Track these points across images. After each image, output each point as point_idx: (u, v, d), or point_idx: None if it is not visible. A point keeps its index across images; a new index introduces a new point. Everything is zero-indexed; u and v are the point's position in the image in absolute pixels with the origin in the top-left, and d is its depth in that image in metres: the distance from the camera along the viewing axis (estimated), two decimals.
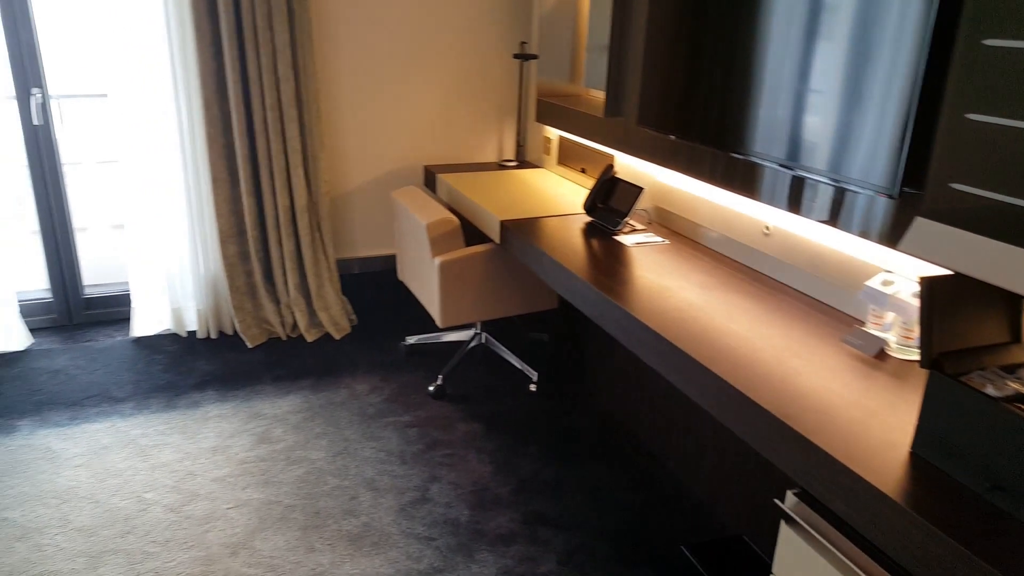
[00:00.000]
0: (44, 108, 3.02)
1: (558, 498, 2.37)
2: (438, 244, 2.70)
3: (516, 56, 3.47)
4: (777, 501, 1.47)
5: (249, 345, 3.27)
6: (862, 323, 1.83)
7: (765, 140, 1.93)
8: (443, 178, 3.31)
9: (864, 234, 1.71)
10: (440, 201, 3.36)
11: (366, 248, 3.73)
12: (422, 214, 2.73)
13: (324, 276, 3.39)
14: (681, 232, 2.53)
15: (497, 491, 2.39)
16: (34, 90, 2.98)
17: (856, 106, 1.63)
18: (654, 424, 2.63)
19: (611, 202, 2.60)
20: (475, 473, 2.48)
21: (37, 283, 3.46)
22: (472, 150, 3.76)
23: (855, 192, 1.71)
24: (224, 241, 3.18)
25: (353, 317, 3.53)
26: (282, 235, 3.24)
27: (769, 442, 1.44)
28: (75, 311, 3.35)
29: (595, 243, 2.40)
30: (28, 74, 2.96)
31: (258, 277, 3.28)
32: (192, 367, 3.08)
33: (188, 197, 3.13)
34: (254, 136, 3.12)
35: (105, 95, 2.96)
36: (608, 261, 2.24)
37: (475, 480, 2.44)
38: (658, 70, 2.34)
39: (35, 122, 3.02)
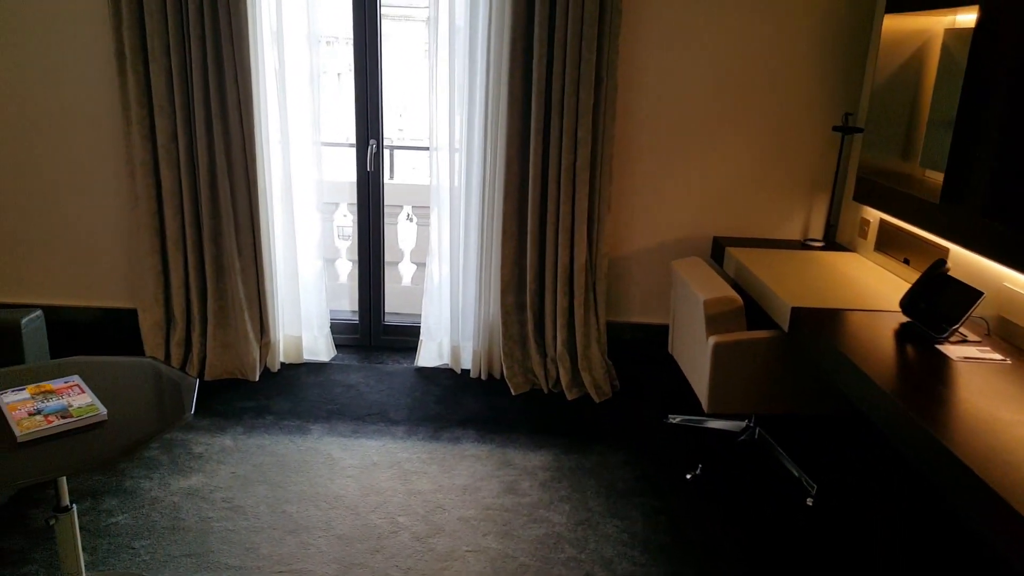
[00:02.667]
0: (377, 157, 3.44)
1: None
2: (715, 323, 2.51)
3: (836, 128, 3.18)
4: None
5: (512, 392, 3.34)
6: None
7: None
8: (733, 252, 3.10)
9: None
10: (725, 276, 3.16)
11: (640, 315, 3.64)
12: (702, 288, 2.56)
13: (592, 337, 3.36)
14: None
15: None
16: (371, 141, 3.42)
17: None
18: None
19: (938, 303, 2.19)
20: None
21: (347, 305, 3.95)
22: (772, 225, 3.50)
23: None
24: (504, 290, 3.31)
25: (616, 383, 3.44)
26: (558, 291, 3.29)
27: None
28: (374, 335, 3.74)
29: (909, 349, 2.03)
30: (368, 126, 3.40)
31: (530, 328, 3.36)
32: (460, 403, 3.23)
33: (480, 246, 3.33)
34: (546, 194, 3.23)
35: (427, 147, 3.29)
36: (923, 374, 1.86)
37: None
38: (1018, 153, 1.94)
39: (368, 168, 3.45)
